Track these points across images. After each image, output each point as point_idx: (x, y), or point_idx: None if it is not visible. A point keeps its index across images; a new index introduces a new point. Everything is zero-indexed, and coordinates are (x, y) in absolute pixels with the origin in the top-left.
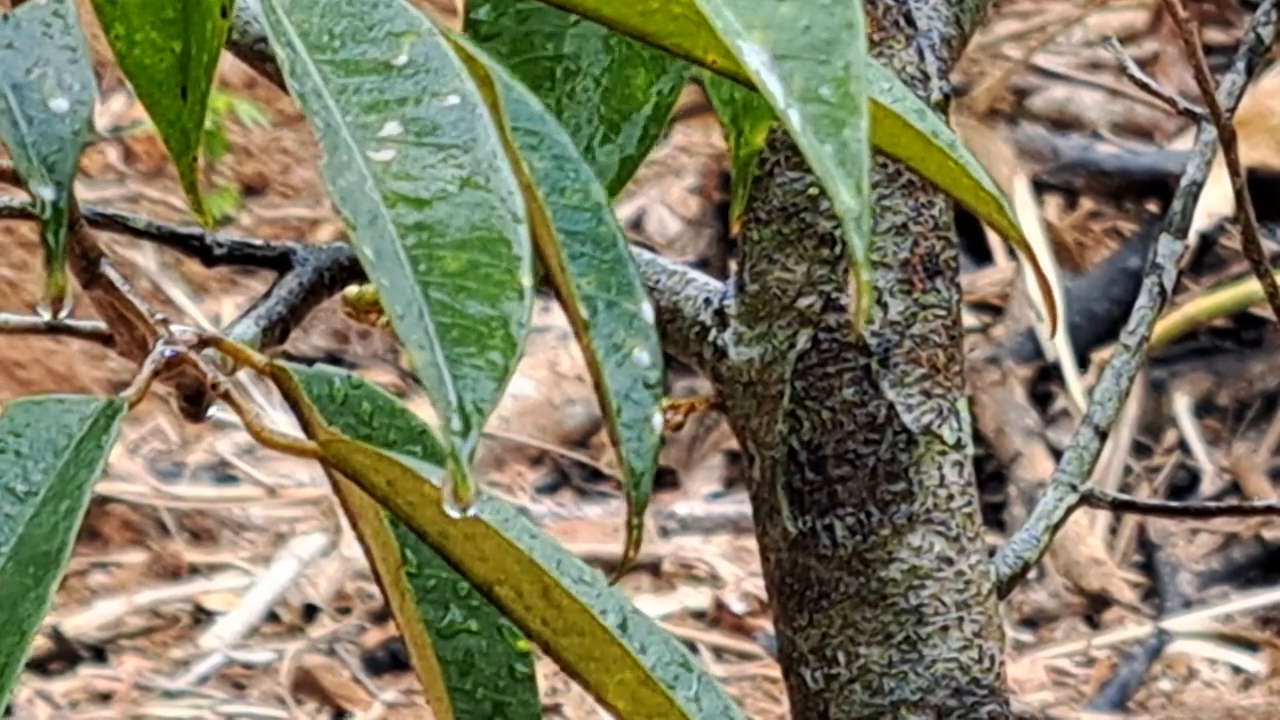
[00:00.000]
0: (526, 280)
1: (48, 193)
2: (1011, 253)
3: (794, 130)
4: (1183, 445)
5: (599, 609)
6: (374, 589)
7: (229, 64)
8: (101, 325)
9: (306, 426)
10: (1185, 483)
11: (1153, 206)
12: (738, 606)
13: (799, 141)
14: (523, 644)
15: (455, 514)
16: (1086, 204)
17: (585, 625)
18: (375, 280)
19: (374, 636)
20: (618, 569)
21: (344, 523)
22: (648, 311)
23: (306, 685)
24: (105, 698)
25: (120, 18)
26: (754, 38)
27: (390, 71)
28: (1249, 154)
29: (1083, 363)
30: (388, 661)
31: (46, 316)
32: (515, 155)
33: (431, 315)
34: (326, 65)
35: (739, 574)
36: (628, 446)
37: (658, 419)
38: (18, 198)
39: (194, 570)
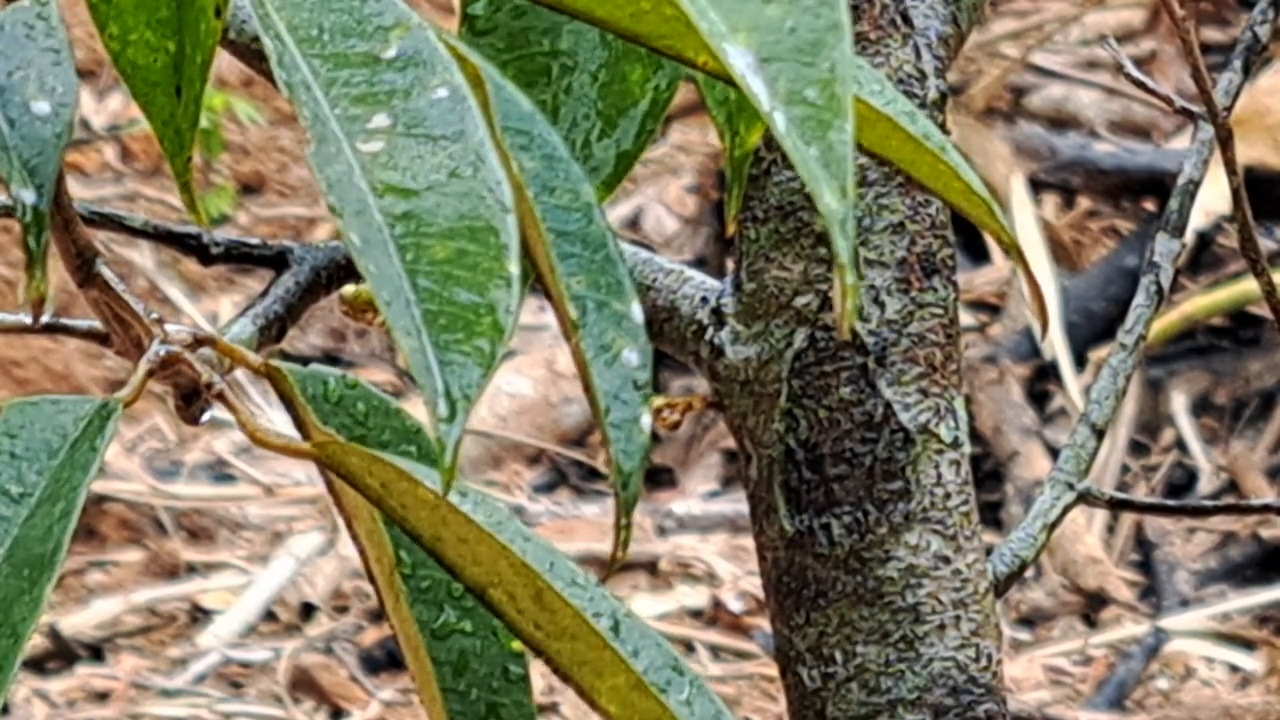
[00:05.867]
0: (514, 268)
1: (28, 196)
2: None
3: (779, 133)
4: (1180, 444)
5: (591, 612)
6: (371, 588)
7: (226, 62)
8: (98, 324)
9: (301, 426)
10: (1182, 481)
11: (1150, 205)
12: (735, 605)
13: (783, 144)
14: (517, 645)
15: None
16: (1084, 203)
17: (578, 629)
18: (362, 267)
19: (371, 635)
20: (608, 569)
21: (341, 522)
22: (637, 312)
23: (304, 684)
24: (102, 697)
25: (115, 17)
26: (739, 40)
27: (379, 64)
28: (1246, 153)
29: (1080, 361)
30: (385, 660)
31: (43, 316)
32: (505, 154)
33: (419, 302)
34: (315, 58)
35: (736, 573)
36: (616, 447)
37: (646, 419)
38: None
39: (191, 569)
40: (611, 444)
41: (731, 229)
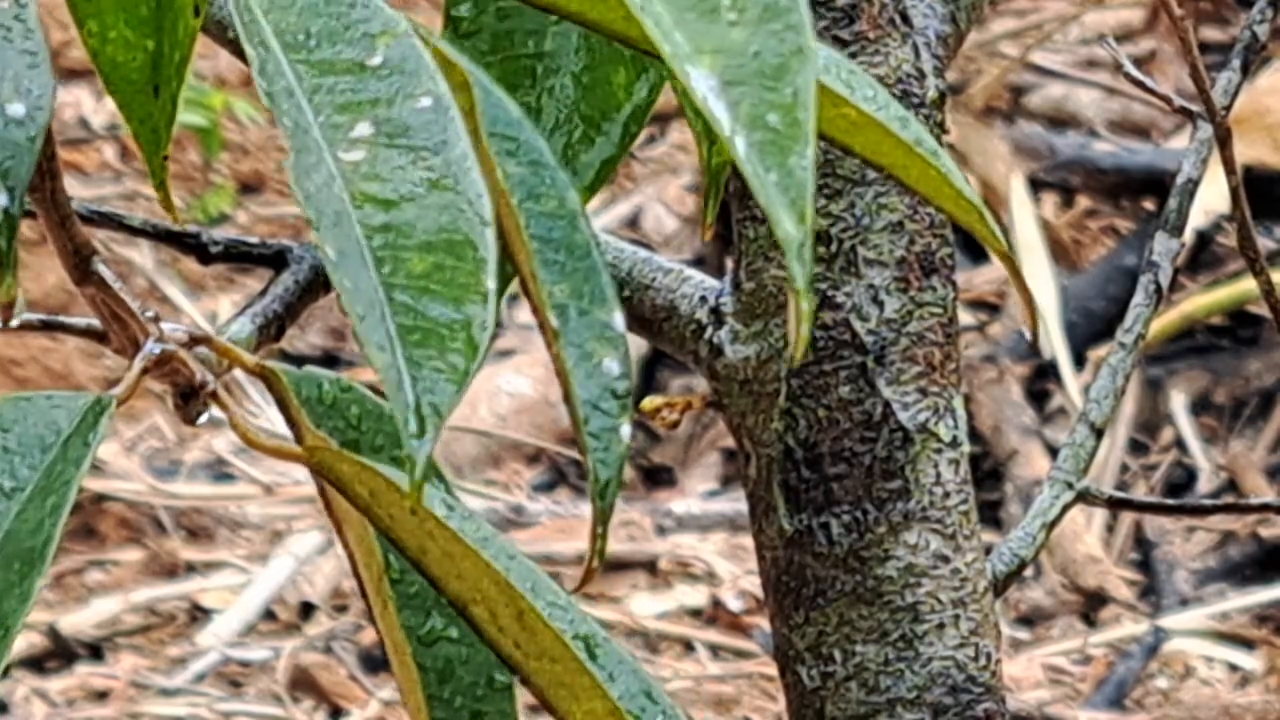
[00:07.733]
0: (491, 284)
1: (0, 198)
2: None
3: (738, 157)
4: (1179, 443)
5: (571, 634)
6: None
7: (226, 62)
8: (96, 323)
9: (295, 429)
10: (1182, 480)
11: (1149, 204)
12: (734, 604)
13: (743, 169)
14: None
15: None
16: (1083, 202)
17: (557, 651)
18: (337, 281)
19: (370, 634)
20: (583, 577)
21: None
22: (619, 321)
23: (303, 683)
24: (102, 696)
25: (94, 14)
26: (703, 63)
27: (364, 72)
28: (1245, 152)
29: (1079, 360)
30: (384, 660)
31: (41, 315)
32: (489, 161)
33: (393, 317)
34: (301, 65)
35: (736, 572)
36: (594, 455)
37: (625, 429)
38: None
39: (191, 568)
40: (590, 452)
41: (708, 236)
